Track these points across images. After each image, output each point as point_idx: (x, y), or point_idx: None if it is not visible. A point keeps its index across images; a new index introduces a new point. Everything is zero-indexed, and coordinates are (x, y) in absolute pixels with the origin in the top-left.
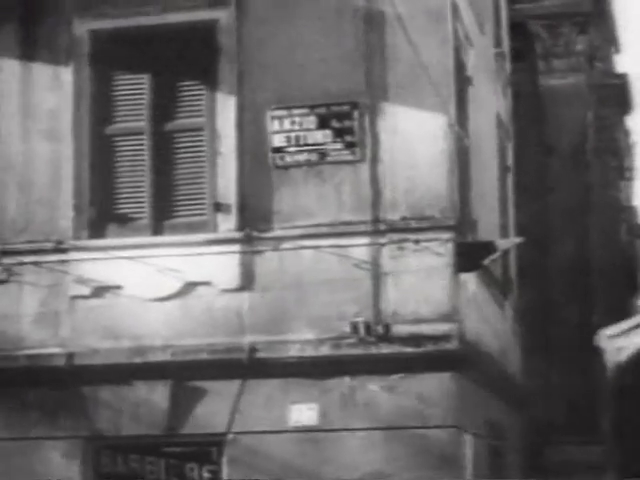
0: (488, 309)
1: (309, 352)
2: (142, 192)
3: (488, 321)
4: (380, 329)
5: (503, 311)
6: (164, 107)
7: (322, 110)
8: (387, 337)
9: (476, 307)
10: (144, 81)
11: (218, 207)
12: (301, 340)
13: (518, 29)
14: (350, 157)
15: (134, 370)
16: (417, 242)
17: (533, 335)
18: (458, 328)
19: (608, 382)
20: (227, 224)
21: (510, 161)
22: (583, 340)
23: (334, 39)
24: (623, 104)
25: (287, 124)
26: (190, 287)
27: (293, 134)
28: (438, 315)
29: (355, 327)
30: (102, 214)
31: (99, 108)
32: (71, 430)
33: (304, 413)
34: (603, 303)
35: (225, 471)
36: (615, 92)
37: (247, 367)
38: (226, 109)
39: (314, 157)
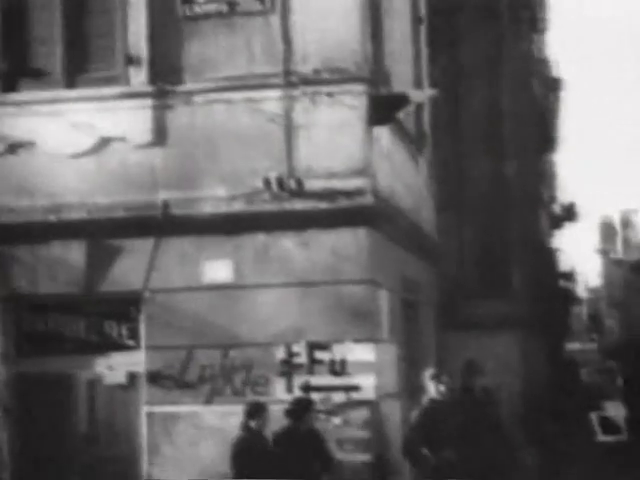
0: (402, 164)
1: (222, 208)
2: (54, 45)
3: (402, 176)
4: (293, 184)
5: (417, 166)
6: None
7: None
8: (300, 192)
9: (390, 162)
10: None
11: (129, 60)
12: (214, 196)
13: None
14: (260, 7)
15: (50, 228)
16: (330, 95)
17: (447, 190)
18: (371, 183)
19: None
20: (139, 77)
21: (422, 12)
22: (496, 196)
23: None
24: None
25: None
26: (104, 143)
27: None
28: (351, 170)
29: (268, 182)
30: (14, 68)
31: None
32: None
33: (218, 270)
34: (516, 156)
35: (143, 328)
36: None
37: (161, 224)
38: None
39: (224, 7)
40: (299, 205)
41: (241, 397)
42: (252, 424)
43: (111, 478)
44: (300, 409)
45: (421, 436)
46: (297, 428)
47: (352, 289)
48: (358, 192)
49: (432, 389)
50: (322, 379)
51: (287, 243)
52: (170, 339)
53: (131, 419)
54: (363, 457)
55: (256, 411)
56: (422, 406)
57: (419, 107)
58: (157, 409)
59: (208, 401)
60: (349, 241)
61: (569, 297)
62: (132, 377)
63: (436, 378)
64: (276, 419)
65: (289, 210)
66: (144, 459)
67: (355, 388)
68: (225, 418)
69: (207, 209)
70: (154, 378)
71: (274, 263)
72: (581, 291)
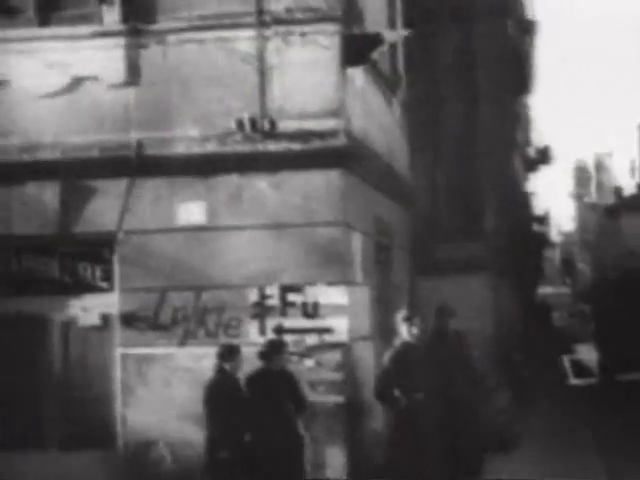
0: (375, 105)
1: (195, 149)
2: None
3: (375, 118)
4: (266, 125)
5: (391, 107)
6: None
7: None
8: (273, 133)
9: (363, 103)
10: None
11: None
12: (187, 137)
13: None
14: None
15: (24, 168)
16: (303, 35)
17: (421, 132)
18: (344, 124)
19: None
20: (112, 16)
21: None
22: (470, 138)
23: None
24: None
25: None
26: (77, 82)
27: None
28: (324, 111)
29: (241, 123)
30: None
31: None
32: None
33: (192, 211)
34: (489, 99)
35: (117, 270)
36: None
37: (135, 165)
38: None
39: None
40: (272, 146)
41: (214, 339)
42: (225, 366)
43: (85, 419)
44: (272, 350)
45: (393, 378)
46: (270, 370)
47: (325, 231)
48: (331, 133)
49: (405, 332)
50: (295, 321)
51: (260, 185)
52: (144, 281)
53: (105, 361)
54: (336, 399)
55: (229, 353)
56: (394, 348)
57: (393, 48)
58: (131, 351)
59: (182, 343)
60: (322, 183)
61: (542, 241)
62: (106, 319)
63: (409, 321)
64: (249, 361)
65: (262, 151)
66: (118, 400)
67: (328, 330)
68: (198, 360)
69: (180, 150)
70: (128, 320)
71: (247, 205)
72: (554, 235)
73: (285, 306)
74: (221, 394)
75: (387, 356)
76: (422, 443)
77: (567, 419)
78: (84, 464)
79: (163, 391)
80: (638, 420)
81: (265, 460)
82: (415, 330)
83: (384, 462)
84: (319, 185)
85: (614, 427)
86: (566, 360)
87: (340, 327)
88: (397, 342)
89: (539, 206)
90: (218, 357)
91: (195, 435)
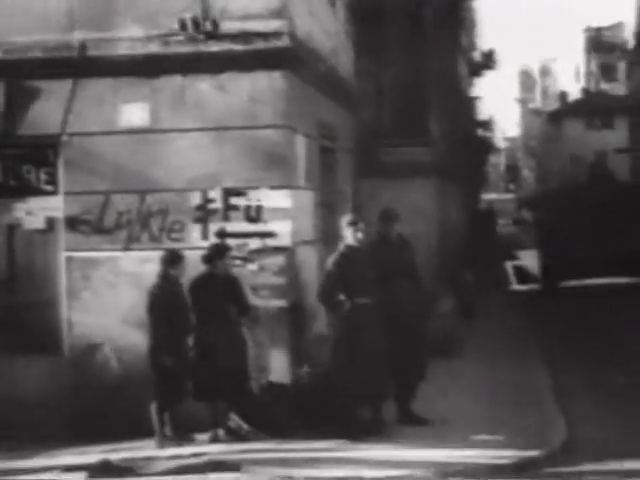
0: (319, 6)
1: (138, 49)
2: None
3: (319, 19)
4: (208, 26)
5: (334, 9)
6: None
7: None
8: (216, 34)
9: (307, 4)
10: None
11: None
12: (130, 37)
13: None
14: None
15: None
16: None
17: (365, 35)
18: (288, 25)
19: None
20: None
21: None
22: (415, 41)
23: None
24: None
25: None
26: None
27: None
28: (268, 11)
29: (183, 24)
30: None
31: None
32: None
33: (135, 113)
34: (434, 3)
35: (61, 173)
36: None
37: (78, 66)
38: None
39: None
40: (215, 47)
41: (158, 243)
42: (169, 272)
43: (31, 323)
44: (215, 255)
45: (337, 282)
46: (214, 274)
47: (268, 134)
48: (274, 34)
49: (349, 236)
50: (238, 225)
51: (203, 86)
52: (88, 184)
53: (50, 265)
54: (279, 303)
55: (173, 260)
56: (338, 252)
57: None
58: (76, 254)
59: (126, 247)
60: (265, 85)
61: (487, 146)
62: (51, 222)
63: (353, 225)
64: (192, 265)
65: (205, 52)
66: (63, 304)
67: (271, 234)
68: (142, 264)
69: (123, 50)
70: (72, 224)
71: (190, 107)
72: (499, 141)
73: (228, 210)
74: (164, 300)
75: (331, 260)
76: (366, 347)
77: (510, 325)
78: (30, 368)
79: (108, 295)
80: (578, 324)
81: (209, 365)
82: (360, 234)
83: (328, 366)
84: (262, 87)
85: (556, 331)
86: (509, 266)
87: (283, 231)
88: (341, 246)
89: (484, 111)
90: (162, 263)
91: (139, 338)
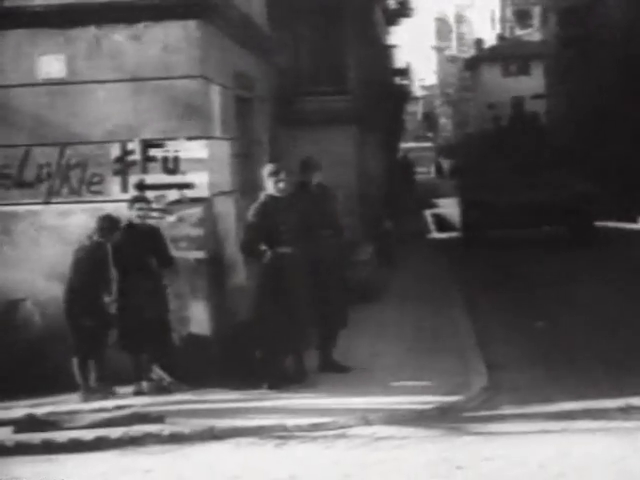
0: None
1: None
2: None
3: None
4: None
5: None
6: None
7: None
8: None
9: None
10: None
11: None
12: None
13: None
14: None
15: None
16: None
17: None
18: None
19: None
20: None
21: None
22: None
23: None
24: None
25: None
26: None
27: None
28: None
29: None
30: None
31: None
32: None
33: (52, 64)
34: None
35: None
36: None
37: None
38: None
39: None
40: None
41: (78, 196)
42: (102, 238)
43: None
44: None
45: (259, 232)
46: (134, 226)
47: (184, 84)
48: None
49: (270, 186)
50: (156, 177)
51: (119, 37)
52: (7, 137)
53: None
54: (197, 254)
55: (111, 227)
56: (259, 202)
57: None
58: None
59: (46, 200)
60: (180, 34)
61: (404, 94)
62: None
63: (274, 175)
64: None
65: (119, 1)
66: None
67: (189, 186)
68: (64, 217)
69: (39, 0)
70: None
71: (106, 58)
72: (416, 89)
73: (146, 161)
74: (90, 264)
75: (252, 210)
76: (288, 296)
77: (430, 272)
78: None
79: (30, 249)
80: (498, 271)
81: (131, 317)
82: (282, 184)
83: (250, 316)
84: (177, 37)
85: (476, 278)
86: (428, 214)
87: (201, 182)
88: (262, 196)
89: (400, 59)
90: (99, 229)
91: (62, 293)
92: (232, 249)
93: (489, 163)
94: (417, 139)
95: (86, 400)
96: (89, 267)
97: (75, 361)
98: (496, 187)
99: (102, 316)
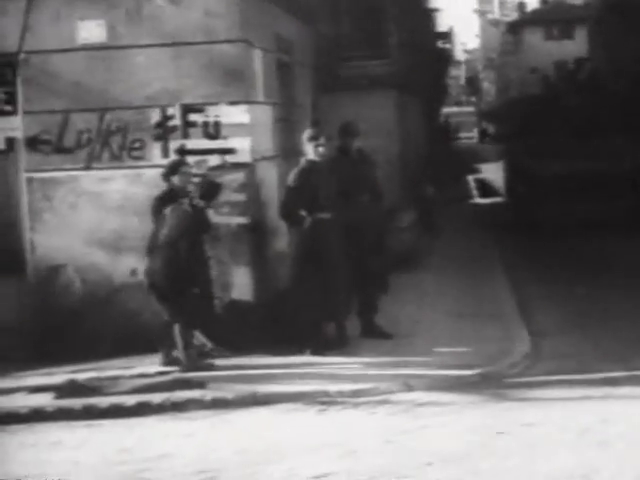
0: None
1: None
2: None
3: None
4: None
5: None
6: None
7: None
8: None
9: None
10: None
11: None
12: None
13: None
14: None
15: None
16: None
17: None
18: None
19: None
20: None
21: None
22: None
23: None
24: None
25: None
26: None
27: None
28: None
29: None
30: None
31: None
32: None
33: (92, 30)
34: None
35: (20, 91)
36: None
37: None
38: None
39: None
40: None
41: (119, 162)
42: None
43: None
44: (170, 171)
45: (299, 197)
46: (173, 191)
47: (225, 49)
48: None
49: (310, 151)
50: (197, 142)
51: (159, 1)
52: (46, 103)
53: (11, 186)
54: (240, 220)
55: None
56: (300, 167)
57: None
58: (36, 175)
59: (86, 166)
60: None
61: (446, 58)
62: (10, 143)
63: (314, 139)
64: (154, 184)
65: None
66: (25, 225)
67: (230, 151)
68: (104, 183)
69: None
70: (32, 143)
71: (146, 23)
72: (459, 53)
73: (187, 127)
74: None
75: (292, 175)
76: (328, 262)
77: (472, 238)
78: None
79: (70, 215)
80: (541, 238)
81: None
82: (321, 149)
83: (290, 282)
84: (218, 1)
85: (518, 244)
86: (471, 180)
87: (242, 147)
88: (302, 161)
89: (443, 23)
90: (201, 195)
91: (102, 258)
92: (274, 215)
93: (539, 126)
94: (460, 104)
95: (189, 369)
96: (195, 233)
97: (178, 330)
98: (548, 154)
99: (208, 282)
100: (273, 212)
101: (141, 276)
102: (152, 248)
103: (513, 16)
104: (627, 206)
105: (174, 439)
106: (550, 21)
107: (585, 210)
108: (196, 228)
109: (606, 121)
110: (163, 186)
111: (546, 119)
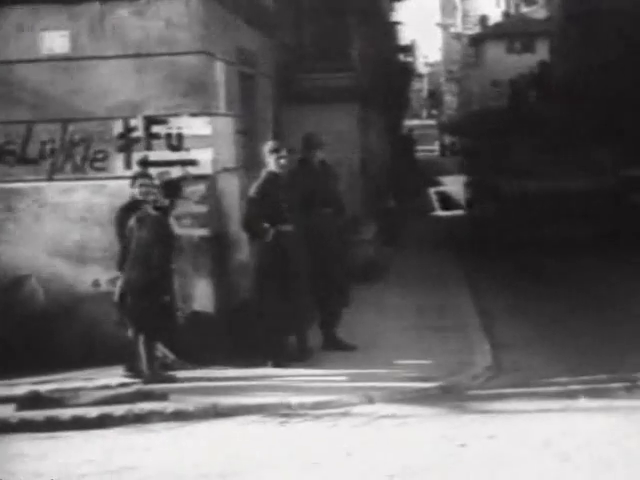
0: None
1: None
2: None
3: None
4: None
5: None
6: None
7: None
8: None
9: None
10: None
11: None
12: None
13: None
14: None
15: None
16: None
17: None
18: None
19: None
20: None
21: None
22: None
23: None
24: None
25: None
26: None
27: None
28: None
29: None
30: None
31: None
32: None
33: (55, 40)
34: None
35: None
36: None
37: None
38: None
39: None
40: None
41: (81, 173)
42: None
43: None
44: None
45: (260, 209)
46: (139, 202)
47: (187, 60)
48: None
49: (272, 162)
50: (160, 154)
51: (122, 12)
52: (9, 113)
53: None
54: (201, 231)
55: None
56: (261, 179)
57: None
58: (0, 186)
59: (50, 177)
60: (183, 10)
61: (408, 71)
62: None
63: (276, 152)
64: (116, 195)
65: None
66: None
67: (192, 162)
68: (67, 194)
69: None
70: None
71: (110, 34)
72: (421, 66)
73: (149, 138)
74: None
75: (254, 187)
76: (289, 274)
77: (432, 251)
78: None
79: (33, 226)
80: (504, 254)
81: (133, 295)
82: (283, 161)
83: (252, 294)
84: (180, 12)
85: (480, 257)
86: (432, 192)
87: (204, 159)
88: (264, 173)
89: (405, 36)
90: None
91: (65, 270)
92: (236, 226)
93: (507, 140)
94: (421, 116)
95: (151, 381)
96: (164, 240)
97: (141, 341)
98: (518, 172)
99: (172, 291)
100: (235, 224)
101: (104, 287)
102: (123, 261)
103: (475, 29)
104: (606, 226)
105: (136, 451)
106: (512, 34)
107: (558, 228)
108: (165, 233)
109: (584, 132)
110: (126, 197)
111: (514, 132)
